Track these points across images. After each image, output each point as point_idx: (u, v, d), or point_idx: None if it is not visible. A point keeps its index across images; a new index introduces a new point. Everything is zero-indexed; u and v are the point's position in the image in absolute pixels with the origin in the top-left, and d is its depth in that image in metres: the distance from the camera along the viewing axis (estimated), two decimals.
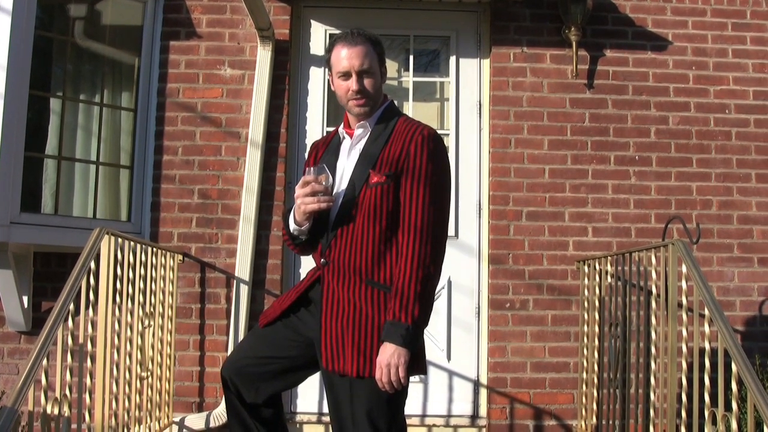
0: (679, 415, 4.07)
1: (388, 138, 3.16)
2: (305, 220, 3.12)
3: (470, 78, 6.04)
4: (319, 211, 3.07)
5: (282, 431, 3.44)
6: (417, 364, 3.02)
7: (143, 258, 4.70)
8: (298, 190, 3.06)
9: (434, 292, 3.00)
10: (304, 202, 3.04)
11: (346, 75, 3.17)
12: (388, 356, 2.88)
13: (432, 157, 3.09)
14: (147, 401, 4.79)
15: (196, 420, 5.43)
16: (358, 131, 3.23)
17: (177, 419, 5.39)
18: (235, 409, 3.34)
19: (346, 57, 3.14)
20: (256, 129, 5.66)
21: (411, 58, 6.08)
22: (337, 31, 5.93)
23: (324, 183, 3.07)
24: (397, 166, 3.07)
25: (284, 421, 3.47)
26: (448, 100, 6.09)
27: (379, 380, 2.90)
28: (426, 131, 3.15)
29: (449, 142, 5.95)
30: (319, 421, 5.62)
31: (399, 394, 2.99)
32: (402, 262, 2.96)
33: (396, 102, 6.06)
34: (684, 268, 4.08)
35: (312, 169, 3.08)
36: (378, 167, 3.10)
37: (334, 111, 5.94)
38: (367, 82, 3.16)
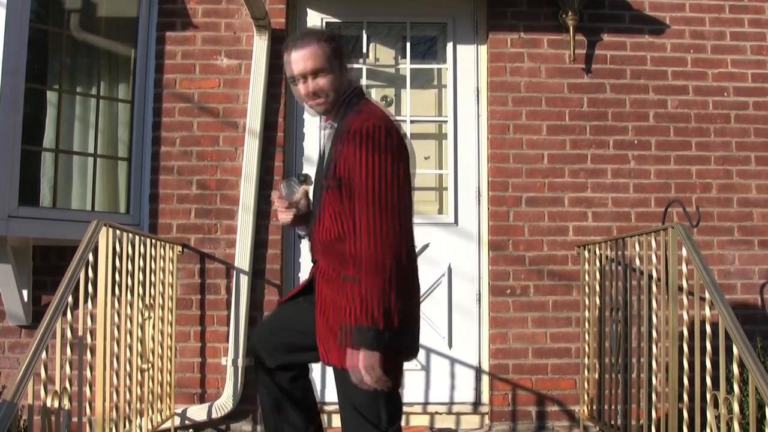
0: (680, 398, 4.07)
1: (335, 138, 3.13)
2: (294, 227, 3.23)
3: (468, 64, 6.02)
4: (291, 222, 3.20)
5: (314, 416, 3.51)
6: (403, 353, 3.06)
7: (142, 250, 4.69)
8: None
9: (397, 286, 2.85)
10: (277, 215, 3.20)
11: (298, 79, 3.15)
12: (362, 361, 2.87)
13: (366, 155, 2.93)
14: (148, 393, 4.78)
15: (198, 411, 5.43)
16: (327, 130, 3.26)
17: (179, 410, 5.39)
18: (268, 390, 3.42)
19: (293, 61, 3.13)
20: (253, 119, 5.64)
21: (408, 45, 6.05)
22: (334, 20, 5.97)
23: (286, 194, 3.19)
24: (340, 169, 3.00)
25: (316, 407, 3.54)
26: (445, 86, 6.08)
27: (361, 383, 2.91)
28: (360, 128, 2.98)
29: (447, 129, 5.94)
30: (321, 411, 5.62)
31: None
32: (358, 266, 2.89)
33: (394, 89, 6.08)
34: (684, 252, 4.08)
35: (283, 183, 3.17)
36: (329, 170, 3.08)
37: None
38: (321, 81, 3.12)
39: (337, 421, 5.59)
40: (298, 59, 3.11)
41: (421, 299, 5.45)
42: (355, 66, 6.06)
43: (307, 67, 3.10)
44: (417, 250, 5.52)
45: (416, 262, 3.09)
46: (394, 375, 3.00)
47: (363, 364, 2.86)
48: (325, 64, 3.11)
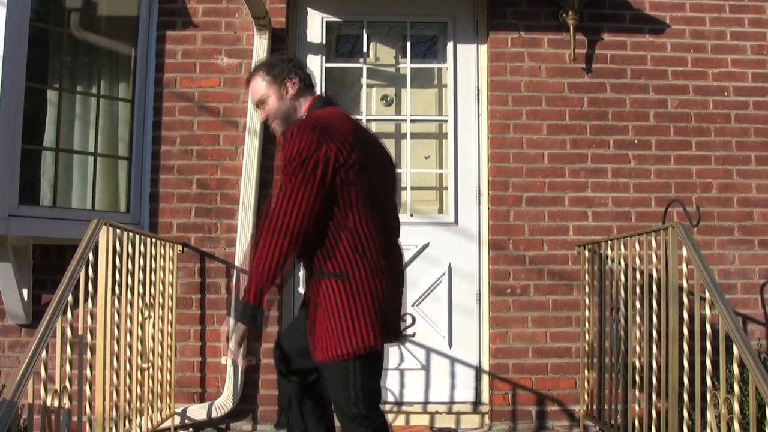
0: (681, 398, 4.07)
1: None
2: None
3: (468, 64, 6.02)
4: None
5: (326, 415, 3.63)
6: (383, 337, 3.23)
7: (142, 249, 4.69)
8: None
9: (274, 276, 3.13)
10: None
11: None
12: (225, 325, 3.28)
13: (285, 153, 3.19)
14: (148, 392, 4.78)
15: (198, 410, 5.43)
16: None
17: (179, 410, 5.39)
18: (286, 387, 3.61)
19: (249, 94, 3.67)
20: (254, 118, 5.63)
21: (409, 44, 6.05)
22: (335, 19, 5.97)
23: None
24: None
25: (330, 408, 3.60)
26: (446, 86, 6.08)
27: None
28: (288, 130, 3.28)
29: (448, 129, 5.95)
30: None
31: (355, 375, 3.18)
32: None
33: (394, 89, 6.08)
34: (684, 252, 4.07)
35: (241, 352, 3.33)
36: None
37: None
38: (266, 107, 3.54)
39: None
40: (250, 93, 3.65)
41: (422, 297, 5.47)
42: (356, 65, 6.07)
43: (254, 99, 3.61)
44: (418, 248, 5.54)
45: (394, 253, 3.41)
46: (371, 365, 3.24)
47: (224, 329, 3.27)
48: (265, 92, 3.53)
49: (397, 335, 3.45)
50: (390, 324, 3.30)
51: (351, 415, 3.21)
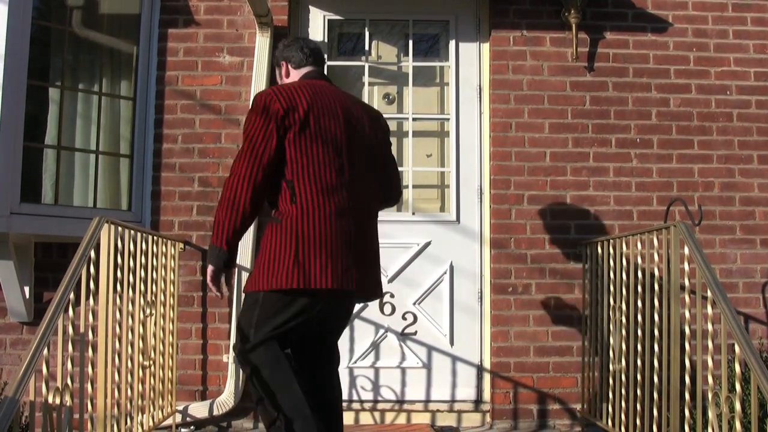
0: (682, 397, 4.07)
1: None
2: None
3: (470, 62, 6.02)
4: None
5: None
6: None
7: (144, 247, 4.69)
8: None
9: (234, 221, 3.60)
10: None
11: None
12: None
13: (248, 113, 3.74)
14: (150, 390, 4.78)
15: (199, 408, 5.43)
16: None
17: (180, 407, 5.39)
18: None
19: None
20: None
21: (411, 43, 6.05)
22: (336, 17, 5.97)
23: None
24: None
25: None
26: (448, 84, 6.08)
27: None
28: None
29: (450, 127, 5.94)
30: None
31: (254, 307, 3.60)
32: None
33: (396, 87, 6.09)
34: (686, 251, 4.07)
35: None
36: None
37: None
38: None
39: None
40: None
41: (423, 296, 5.45)
42: (358, 64, 6.07)
43: None
44: (420, 246, 5.54)
45: (345, 216, 3.64)
46: (279, 301, 3.56)
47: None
48: (276, 77, 4.19)
49: (352, 286, 3.62)
50: (331, 271, 3.54)
51: (241, 336, 3.63)
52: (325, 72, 5.91)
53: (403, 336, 5.74)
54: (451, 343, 5.77)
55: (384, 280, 5.57)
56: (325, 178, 3.61)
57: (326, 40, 5.97)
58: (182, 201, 5.66)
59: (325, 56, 5.91)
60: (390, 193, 4.09)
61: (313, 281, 3.49)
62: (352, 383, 5.69)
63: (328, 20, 6.01)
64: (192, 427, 5.43)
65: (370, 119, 3.92)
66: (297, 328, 3.60)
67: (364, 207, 3.76)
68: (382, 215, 5.79)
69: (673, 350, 4.10)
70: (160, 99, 5.75)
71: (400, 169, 5.79)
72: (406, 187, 5.87)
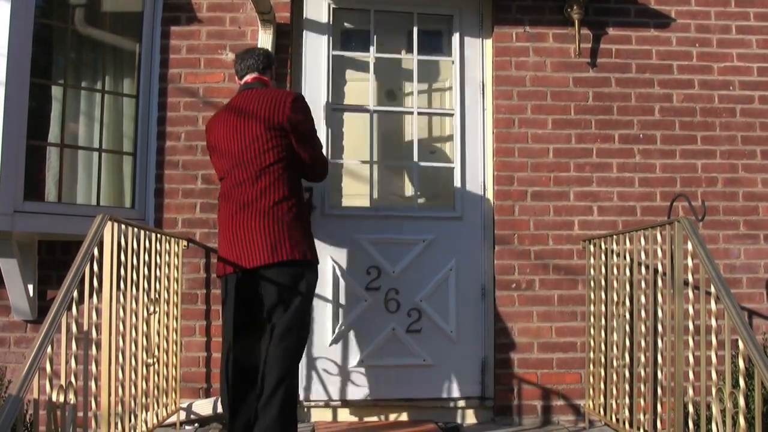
0: (686, 392, 4.06)
1: None
2: None
3: (473, 58, 6.01)
4: None
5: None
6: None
7: (147, 244, 4.69)
8: None
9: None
10: None
11: None
12: None
13: None
14: (154, 387, 4.79)
15: (203, 405, 5.44)
16: None
17: (184, 405, 5.39)
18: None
19: None
20: None
21: (415, 37, 6.02)
22: (341, 6, 5.94)
23: None
24: None
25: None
26: (451, 79, 6.06)
27: None
28: None
29: (454, 123, 5.94)
30: (327, 406, 5.64)
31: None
32: None
33: (399, 82, 6.08)
34: (690, 246, 4.07)
35: None
36: None
37: (336, 95, 5.92)
38: None
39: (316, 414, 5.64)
40: None
41: (427, 292, 5.44)
42: (362, 59, 6.05)
43: None
44: (423, 243, 5.58)
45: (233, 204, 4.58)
46: (224, 285, 4.67)
47: None
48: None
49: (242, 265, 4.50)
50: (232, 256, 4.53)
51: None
52: (328, 72, 5.93)
53: (408, 333, 5.72)
54: (455, 339, 5.76)
55: (390, 275, 5.60)
56: (231, 182, 4.66)
57: (330, 35, 5.90)
58: (186, 198, 5.66)
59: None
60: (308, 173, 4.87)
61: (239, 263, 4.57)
62: (357, 381, 5.68)
63: (333, 9, 5.93)
64: (196, 425, 5.44)
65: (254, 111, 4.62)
66: None
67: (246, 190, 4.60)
68: (388, 210, 5.80)
69: (677, 346, 4.10)
70: (163, 96, 5.75)
71: (403, 163, 5.80)
72: (410, 183, 5.86)
